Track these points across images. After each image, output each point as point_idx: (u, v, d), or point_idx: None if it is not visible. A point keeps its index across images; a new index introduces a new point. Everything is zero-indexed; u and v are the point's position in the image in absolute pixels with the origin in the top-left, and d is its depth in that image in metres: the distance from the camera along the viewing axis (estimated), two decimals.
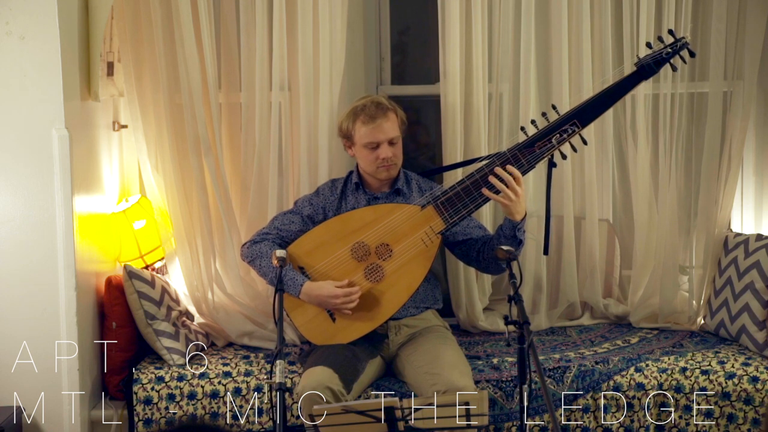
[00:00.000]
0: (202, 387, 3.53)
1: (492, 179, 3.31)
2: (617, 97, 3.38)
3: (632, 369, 3.53)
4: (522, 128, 3.46)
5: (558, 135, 3.35)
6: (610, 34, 3.86)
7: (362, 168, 3.57)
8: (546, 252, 3.59)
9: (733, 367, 3.53)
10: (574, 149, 3.44)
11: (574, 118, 3.35)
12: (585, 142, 3.50)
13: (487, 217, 3.91)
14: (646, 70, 3.32)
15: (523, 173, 3.37)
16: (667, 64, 3.32)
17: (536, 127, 3.39)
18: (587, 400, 3.50)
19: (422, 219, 3.40)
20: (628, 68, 3.80)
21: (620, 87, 3.37)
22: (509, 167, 3.31)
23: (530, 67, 3.88)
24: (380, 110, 3.47)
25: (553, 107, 3.39)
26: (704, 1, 3.88)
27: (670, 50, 3.30)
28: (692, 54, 3.35)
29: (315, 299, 3.38)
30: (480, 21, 3.79)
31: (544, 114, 3.40)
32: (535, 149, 3.36)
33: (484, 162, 3.42)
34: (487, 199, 3.38)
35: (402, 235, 3.41)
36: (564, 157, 3.43)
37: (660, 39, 3.35)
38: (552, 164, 3.41)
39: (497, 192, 3.31)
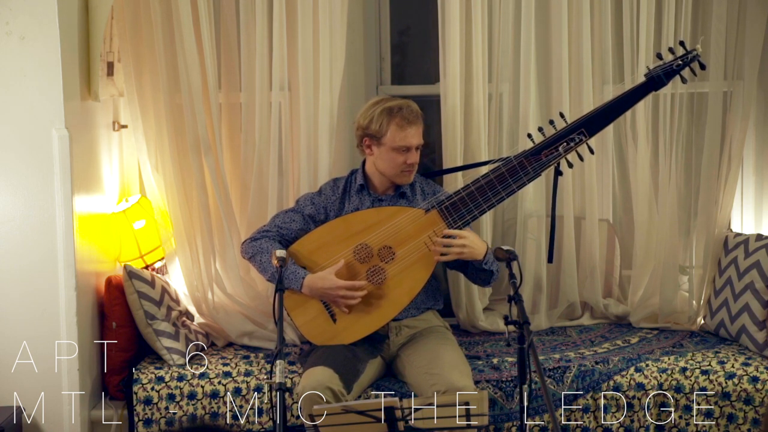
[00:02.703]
0: (202, 387, 3.53)
1: (433, 248, 3.35)
2: (626, 107, 3.39)
3: (632, 369, 3.53)
4: (529, 135, 3.46)
5: (565, 143, 3.35)
6: (610, 34, 3.86)
7: (382, 170, 3.52)
8: (550, 260, 3.60)
9: (733, 367, 3.53)
10: (581, 158, 3.44)
11: (581, 127, 3.35)
12: (592, 151, 3.50)
13: (486, 220, 3.91)
14: (655, 81, 3.32)
15: (529, 181, 3.39)
16: (677, 76, 3.32)
17: (543, 134, 3.39)
18: (587, 400, 3.50)
19: (426, 223, 3.40)
20: (629, 70, 3.81)
21: (629, 98, 3.36)
22: (446, 231, 3.35)
23: (530, 67, 3.88)
24: (416, 116, 3.45)
25: (561, 115, 3.39)
26: (704, 2, 3.88)
27: (680, 62, 3.29)
28: (702, 66, 3.34)
29: (317, 292, 3.38)
30: (480, 21, 3.79)
31: (551, 122, 3.40)
32: (541, 157, 3.36)
33: (492, 166, 3.43)
34: (492, 206, 3.40)
35: (405, 239, 3.41)
36: (571, 165, 3.43)
37: (671, 50, 3.34)
38: (558, 172, 3.42)
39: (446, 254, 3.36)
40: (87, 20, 3.52)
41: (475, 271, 3.48)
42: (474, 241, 3.38)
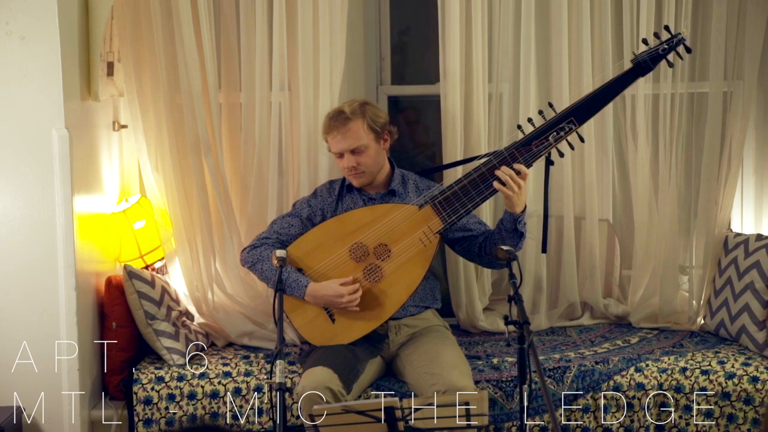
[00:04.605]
0: (202, 387, 3.53)
1: (499, 172, 3.30)
2: (614, 94, 3.37)
3: (632, 369, 3.53)
4: (519, 126, 3.45)
5: (555, 133, 3.34)
6: (610, 34, 3.86)
7: None
8: (544, 250, 3.58)
9: (733, 367, 3.53)
10: (572, 147, 3.43)
11: (570, 115, 3.35)
12: (582, 140, 3.49)
13: (486, 213, 3.91)
14: (642, 66, 3.31)
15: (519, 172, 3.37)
16: (664, 60, 3.32)
17: (533, 125, 3.38)
18: (587, 400, 3.50)
19: (420, 219, 3.40)
20: (628, 67, 3.81)
21: (617, 84, 3.36)
22: (516, 165, 3.31)
23: (530, 67, 3.88)
24: (339, 121, 3.45)
25: (550, 105, 3.38)
26: (704, 1, 3.88)
27: (666, 46, 3.29)
28: (688, 50, 3.34)
29: (320, 300, 3.38)
30: (480, 21, 3.79)
31: (541, 112, 3.40)
32: (532, 147, 3.35)
33: (482, 160, 3.43)
34: (485, 198, 3.39)
35: (400, 235, 3.41)
36: (561, 155, 3.43)
37: (656, 35, 3.34)
38: (549, 162, 3.41)
39: (503, 183, 3.31)
40: (87, 20, 3.52)
41: (505, 233, 3.38)
42: (523, 194, 3.34)
